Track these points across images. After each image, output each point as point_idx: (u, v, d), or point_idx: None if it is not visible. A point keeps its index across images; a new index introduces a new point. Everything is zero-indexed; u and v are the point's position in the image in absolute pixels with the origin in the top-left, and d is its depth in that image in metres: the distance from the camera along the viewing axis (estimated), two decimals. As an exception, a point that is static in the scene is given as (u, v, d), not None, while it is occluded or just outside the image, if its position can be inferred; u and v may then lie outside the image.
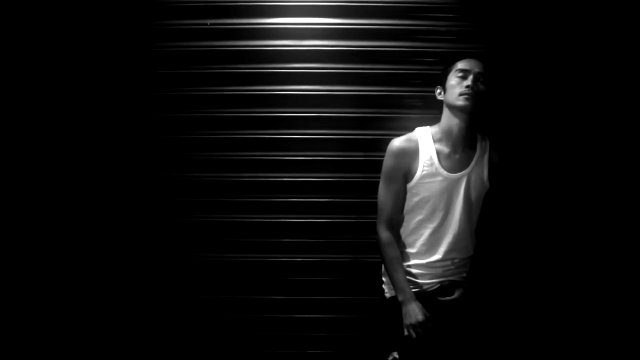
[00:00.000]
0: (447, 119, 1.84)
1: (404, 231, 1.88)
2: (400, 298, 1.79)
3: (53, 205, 2.23)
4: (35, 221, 2.23)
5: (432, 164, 1.81)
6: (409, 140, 1.84)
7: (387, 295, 1.93)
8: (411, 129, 1.90)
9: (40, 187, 2.22)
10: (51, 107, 2.20)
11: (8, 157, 2.21)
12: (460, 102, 1.76)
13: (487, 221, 1.98)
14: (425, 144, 1.83)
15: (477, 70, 1.78)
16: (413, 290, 1.81)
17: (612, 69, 2.17)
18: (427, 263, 1.85)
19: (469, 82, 1.76)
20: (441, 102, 1.87)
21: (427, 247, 1.85)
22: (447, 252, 1.85)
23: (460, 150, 1.84)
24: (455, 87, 1.78)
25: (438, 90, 1.88)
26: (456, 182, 1.82)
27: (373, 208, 1.92)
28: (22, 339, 2.26)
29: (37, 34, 2.17)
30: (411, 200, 1.84)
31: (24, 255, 2.24)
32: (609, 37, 2.16)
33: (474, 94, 1.75)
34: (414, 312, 1.74)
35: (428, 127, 1.88)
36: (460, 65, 1.80)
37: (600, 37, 2.16)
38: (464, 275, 1.91)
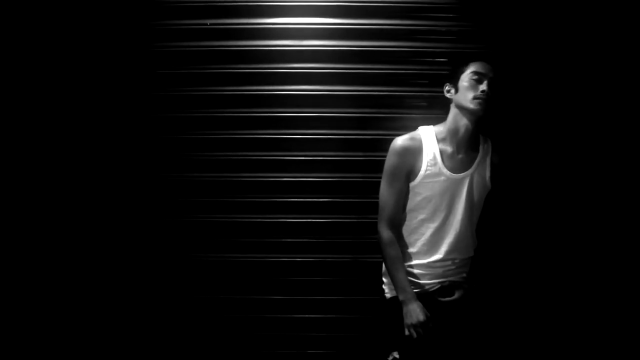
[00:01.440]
0: (455, 118, 1.83)
1: (405, 230, 1.88)
2: (401, 298, 1.79)
3: (54, 205, 2.23)
4: (36, 221, 2.23)
5: (435, 164, 1.81)
6: (412, 139, 1.84)
7: (388, 295, 1.93)
8: (411, 129, 1.89)
9: (41, 188, 2.22)
10: (51, 107, 2.20)
11: (9, 157, 2.21)
12: (474, 105, 1.75)
13: (488, 222, 1.98)
14: (428, 143, 1.83)
15: (491, 75, 1.77)
16: (414, 290, 1.81)
17: (613, 69, 2.18)
18: (428, 263, 1.85)
19: (484, 86, 1.75)
20: (447, 100, 1.86)
21: (428, 246, 1.85)
22: (448, 252, 1.85)
23: (463, 150, 1.84)
24: (469, 90, 1.77)
25: (447, 88, 1.86)
26: (459, 183, 1.82)
27: (373, 208, 1.92)
28: (22, 339, 2.26)
29: (37, 34, 2.17)
30: (413, 200, 1.84)
31: (25, 255, 2.24)
32: (610, 37, 2.17)
33: (487, 99, 1.75)
34: (415, 312, 1.75)
35: (431, 126, 1.87)
36: (476, 67, 1.78)
37: (601, 37, 2.17)
38: (464, 275, 1.91)
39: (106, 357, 2.27)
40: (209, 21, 2.20)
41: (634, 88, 2.18)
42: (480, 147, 1.87)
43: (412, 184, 1.83)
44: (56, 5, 2.16)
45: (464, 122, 1.81)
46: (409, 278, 1.84)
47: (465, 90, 1.78)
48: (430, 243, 1.85)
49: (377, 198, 1.87)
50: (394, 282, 1.83)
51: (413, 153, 1.81)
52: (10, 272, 2.24)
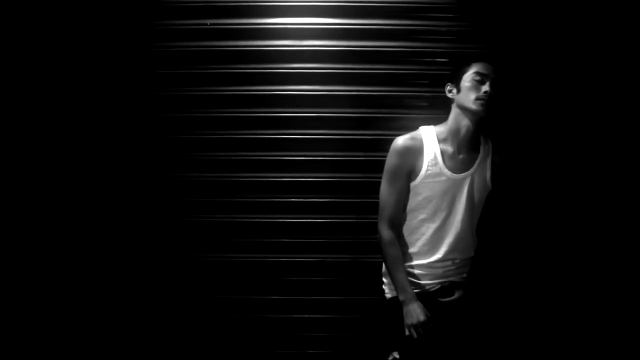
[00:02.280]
0: (456, 119, 1.83)
1: (405, 230, 1.88)
2: (401, 298, 1.79)
3: (53, 205, 2.23)
4: (36, 221, 2.23)
5: (436, 164, 1.80)
6: (413, 138, 1.83)
7: (388, 295, 1.93)
8: (412, 129, 1.89)
9: (41, 188, 2.22)
10: (51, 108, 2.20)
11: (8, 158, 2.21)
12: (476, 106, 1.75)
13: (488, 222, 1.98)
14: (429, 143, 1.82)
15: (493, 76, 1.77)
16: (414, 290, 1.81)
17: (613, 69, 2.18)
18: (428, 263, 1.85)
19: (487, 87, 1.75)
20: (448, 100, 1.86)
21: (429, 247, 1.85)
22: (448, 252, 1.84)
23: (464, 151, 1.84)
24: (471, 90, 1.76)
25: (448, 88, 1.85)
26: (460, 183, 1.82)
27: (373, 208, 1.92)
28: (22, 339, 2.25)
29: (37, 34, 2.17)
30: (414, 200, 1.84)
31: (24, 255, 2.24)
32: (610, 37, 2.17)
33: (489, 100, 1.75)
34: (416, 312, 1.74)
35: (432, 126, 1.87)
36: (478, 68, 1.77)
37: (601, 37, 2.17)
38: (464, 276, 1.91)
39: (106, 357, 2.27)
40: (209, 21, 2.20)
41: (635, 88, 2.18)
42: (481, 148, 1.87)
43: (412, 184, 1.82)
44: (56, 5, 2.16)
45: (465, 122, 1.81)
46: (409, 278, 1.83)
47: (468, 91, 1.77)
48: (431, 243, 1.84)
49: (377, 198, 1.87)
50: (394, 282, 1.83)
51: (414, 153, 1.81)
52: (10, 272, 2.24)
